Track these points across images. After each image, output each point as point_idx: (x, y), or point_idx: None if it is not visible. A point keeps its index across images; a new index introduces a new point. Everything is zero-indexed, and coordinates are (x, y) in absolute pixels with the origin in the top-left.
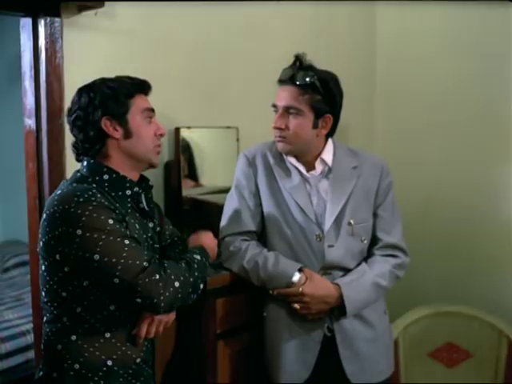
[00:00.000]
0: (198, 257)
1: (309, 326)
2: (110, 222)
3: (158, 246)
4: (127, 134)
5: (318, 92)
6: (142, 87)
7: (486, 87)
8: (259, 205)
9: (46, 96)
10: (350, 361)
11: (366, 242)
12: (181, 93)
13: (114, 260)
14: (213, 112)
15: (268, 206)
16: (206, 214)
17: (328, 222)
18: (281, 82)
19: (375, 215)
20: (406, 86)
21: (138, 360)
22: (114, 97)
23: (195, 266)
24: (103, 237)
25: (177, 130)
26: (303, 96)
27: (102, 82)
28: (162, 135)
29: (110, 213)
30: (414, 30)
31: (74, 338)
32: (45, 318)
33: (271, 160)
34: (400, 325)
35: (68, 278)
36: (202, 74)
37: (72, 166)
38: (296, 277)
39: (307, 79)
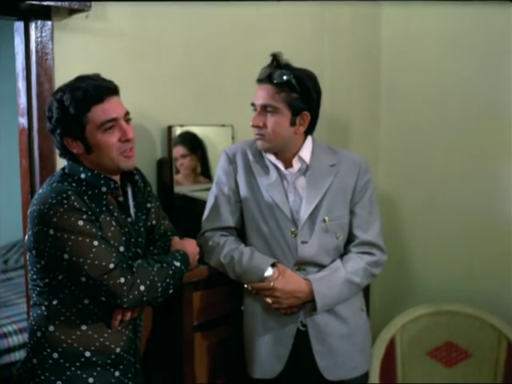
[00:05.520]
0: (178, 264)
1: (283, 321)
2: (80, 223)
3: (138, 239)
4: (88, 150)
5: (294, 90)
6: (98, 97)
7: (488, 86)
8: (238, 201)
9: (37, 96)
10: (323, 356)
11: (341, 238)
12: (175, 91)
13: (81, 260)
14: (208, 110)
15: (246, 203)
16: (198, 210)
17: (302, 219)
18: (259, 81)
19: (352, 213)
20: (410, 85)
21: (118, 349)
22: (66, 118)
23: (170, 272)
24: (72, 237)
25: (169, 128)
26: (280, 94)
27: (59, 97)
28: (128, 140)
29: (81, 214)
30: (417, 29)
31: (51, 328)
32: (30, 303)
33: (251, 157)
34: (398, 323)
35: (44, 271)
36: (197, 73)
37: (62, 161)
38: (269, 272)
39: (283, 77)
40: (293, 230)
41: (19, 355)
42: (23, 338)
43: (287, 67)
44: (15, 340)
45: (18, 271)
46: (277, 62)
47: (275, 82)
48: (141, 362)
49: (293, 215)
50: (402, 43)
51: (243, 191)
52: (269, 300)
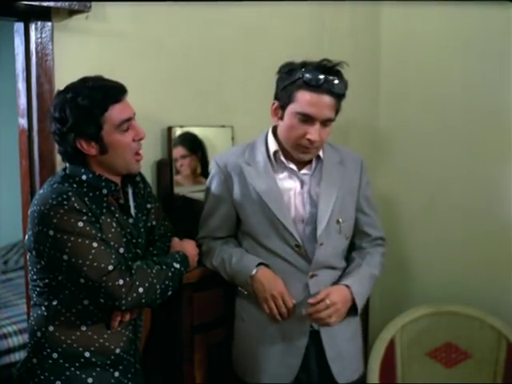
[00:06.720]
0: (178, 265)
1: (292, 330)
2: (80, 224)
3: (139, 240)
4: (103, 150)
5: (343, 99)
6: (116, 96)
7: (488, 87)
8: (232, 210)
9: (37, 97)
10: (335, 360)
11: (348, 239)
12: (174, 92)
13: (80, 261)
14: (208, 111)
15: (244, 215)
16: (198, 211)
17: (322, 222)
18: (313, 86)
19: (360, 211)
20: (410, 85)
21: (118, 350)
22: (85, 118)
23: (170, 274)
24: (72, 238)
25: (169, 128)
26: (336, 105)
27: (75, 96)
28: (141, 139)
29: (81, 215)
30: (417, 29)
31: (51, 328)
32: (31, 303)
33: (244, 166)
34: (398, 323)
35: (44, 271)
36: (197, 74)
37: (62, 162)
38: (254, 270)
39: (343, 89)
40: (296, 243)
41: (19, 356)
42: (23, 338)
43: (342, 75)
44: (15, 341)
45: (17, 272)
46: (332, 68)
47: (336, 92)
48: (141, 362)
49: (296, 225)
50: (401, 43)
51: (238, 201)
52: (334, 319)
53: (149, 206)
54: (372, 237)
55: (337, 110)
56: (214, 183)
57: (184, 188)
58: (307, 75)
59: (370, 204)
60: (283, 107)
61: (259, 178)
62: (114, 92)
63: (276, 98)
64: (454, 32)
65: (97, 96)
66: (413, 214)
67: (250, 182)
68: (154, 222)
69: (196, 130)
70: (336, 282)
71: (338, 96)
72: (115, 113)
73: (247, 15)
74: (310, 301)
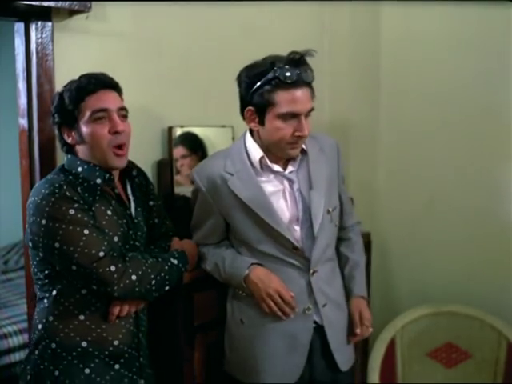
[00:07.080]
0: (175, 261)
1: (296, 327)
2: (71, 211)
3: (138, 233)
4: (80, 140)
5: None
6: (92, 87)
7: (488, 87)
8: (220, 220)
9: (37, 97)
10: (338, 350)
11: (338, 226)
12: (175, 92)
13: (71, 248)
14: (209, 111)
15: (234, 224)
16: None
17: (318, 218)
18: (291, 83)
19: (340, 190)
20: (410, 85)
21: (116, 342)
22: (61, 107)
23: (166, 267)
24: (63, 226)
25: (170, 128)
26: (312, 94)
27: (61, 90)
28: (117, 132)
29: (72, 203)
30: (417, 29)
31: (51, 318)
32: (36, 299)
33: (227, 176)
34: (398, 324)
35: (43, 262)
36: (197, 74)
37: (62, 162)
38: (246, 271)
39: (313, 76)
40: (294, 246)
41: (19, 356)
42: (23, 338)
43: (307, 63)
44: (15, 341)
45: (17, 272)
46: (302, 59)
47: (309, 82)
48: (147, 356)
49: (289, 226)
50: (401, 43)
51: (226, 211)
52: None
53: (151, 203)
54: (349, 213)
55: (312, 97)
56: (198, 197)
57: (184, 188)
58: (281, 73)
59: (345, 187)
60: (261, 112)
61: (244, 186)
62: (89, 84)
63: (248, 103)
64: (453, 32)
65: (73, 87)
66: (412, 214)
67: (236, 192)
68: (156, 220)
69: (196, 130)
70: (333, 275)
71: (310, 84)
72: (90, 103)
73: (247, 15)
74: (358, 332)
